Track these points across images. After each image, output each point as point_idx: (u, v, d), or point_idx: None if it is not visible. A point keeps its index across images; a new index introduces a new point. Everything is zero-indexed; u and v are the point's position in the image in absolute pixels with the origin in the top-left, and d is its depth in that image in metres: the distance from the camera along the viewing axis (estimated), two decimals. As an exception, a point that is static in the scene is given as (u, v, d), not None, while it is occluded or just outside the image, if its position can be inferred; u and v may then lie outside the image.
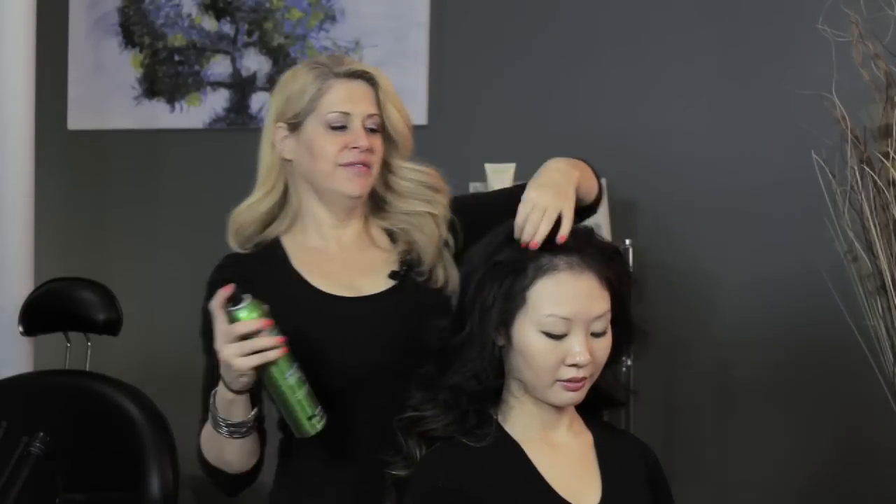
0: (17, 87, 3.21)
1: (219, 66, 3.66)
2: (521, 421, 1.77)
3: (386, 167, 2.04)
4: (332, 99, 1.97)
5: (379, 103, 2.00)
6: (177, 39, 3.71)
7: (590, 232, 1.78)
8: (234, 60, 3.64)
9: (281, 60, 3.57)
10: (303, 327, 1.86)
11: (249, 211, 2.03)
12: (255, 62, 3.62)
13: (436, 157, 3.49)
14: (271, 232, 2.03)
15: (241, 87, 3.63)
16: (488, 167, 3.10)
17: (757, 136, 3.08)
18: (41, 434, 2.25)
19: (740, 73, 3.10)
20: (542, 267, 1.71)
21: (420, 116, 3.41)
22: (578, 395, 1.73)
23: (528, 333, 1.71)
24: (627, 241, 3.06)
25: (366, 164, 1.97)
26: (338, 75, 1.98)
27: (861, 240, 2.34)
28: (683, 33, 3.18)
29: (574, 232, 1.76)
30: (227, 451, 1.86)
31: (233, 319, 1.76)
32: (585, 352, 1.70)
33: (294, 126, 1.99)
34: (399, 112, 2.03)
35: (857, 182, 2.32)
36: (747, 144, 3.09)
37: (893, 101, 2.31)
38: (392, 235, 2.04)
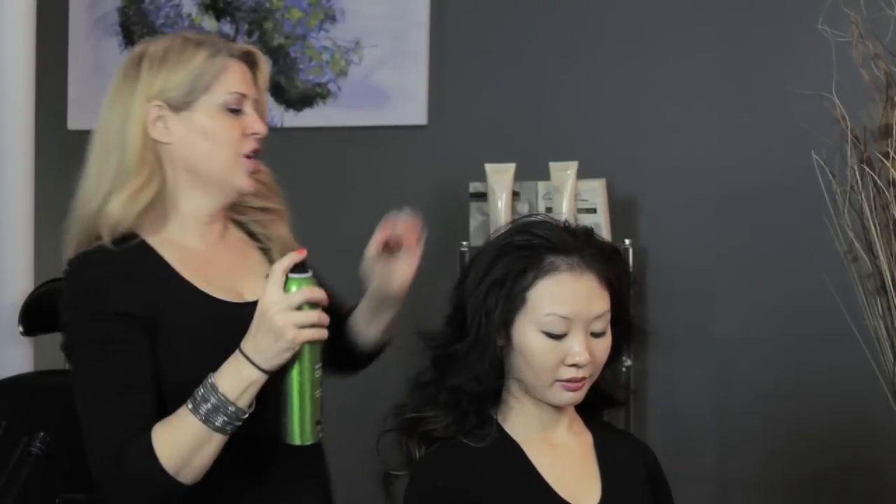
0: (17, 87, 3.20)
1: (219, 66, 3.66)
2: (521, 421, 1.77)
3: None
4: (230, 79, 1.83)
5: (258, 87, 1.89)
6: (177, 39, 3.71)
7: (590, 232, 1.78)
8: (234, 60, 3.64)
9: (281, 60, 3.57)
10: (200, 336, 1.76)
11: (128, 205, 1.80)
12: (255, 62, 3.62)
13: (436, 157, 3.51)
14: (129, 228, 1.82)
15: (241, 87, 3.62)
16: (488, 167, 3.10)
17: (757, 135, 3.08)
18: (41, 434, 2.24)
19: (740, 73, 3.10)
20: (542, 268, 1.71)
21: (420, 116, 3.41)
22: (578, 395, 1.74)
23: (528, 333, 1.71)
24: (627, 241, 3.05)
25: (258, 155, 1.87)
26: (232, 55, 1.85)
27: (861, 240, 2.34)
28: (683, 33, 3.18)
29: (574, 232, 1.76)
30: (207, 451, 1.69)
31: (288, 289, 1.65)
32: (585, 352, 1.70)
33: (179, 106, 1.82)
34: (266, 98, 1.92)
35: (857, 182, 2.32)
36: (747, 144, 3.09)
37: (893, 101, 2.31)
38: (249, 233, 1.95)
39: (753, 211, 3.08)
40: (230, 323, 1.77)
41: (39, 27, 3.30)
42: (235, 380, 1.67)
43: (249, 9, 3.63)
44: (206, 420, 1.67)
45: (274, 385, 1.71)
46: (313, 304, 1.68)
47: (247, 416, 1.70)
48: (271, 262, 1.89)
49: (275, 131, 3.54)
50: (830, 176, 2.36)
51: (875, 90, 2.33)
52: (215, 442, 1.69)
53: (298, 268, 1.67)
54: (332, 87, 3.51)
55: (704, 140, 3.15)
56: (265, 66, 1.91)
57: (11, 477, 2.23)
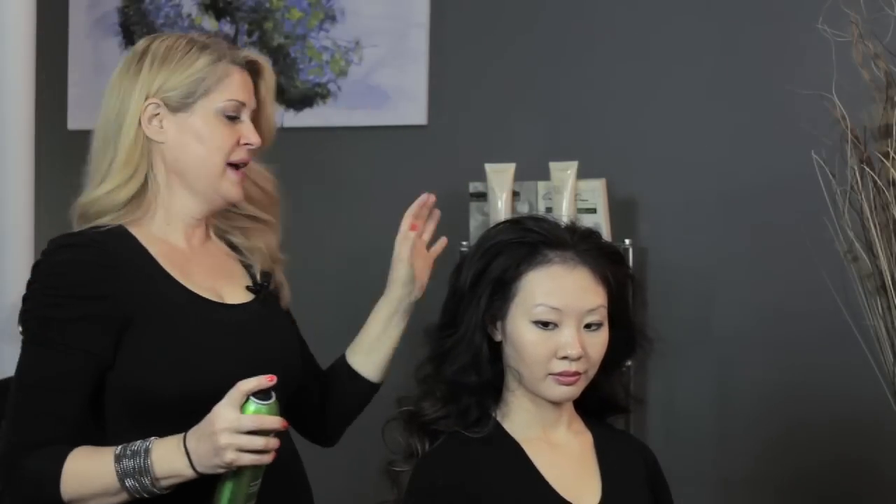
0: (17, 87, 3.21)
1: (219, 66, 3.66)
2: (521, 420, 1.77)
3: None
4: (230, 86, 1.82)
5: (259, 98, 1.88)
6: (177, 39, 3.71)
7: (591, 232, 1.78)
8: (234, 60, 3.64)
9: (281, 60, 3.57)
10: (177, 330, 1.75)
11: (108, 199, 1.81)
12: (255, 62, 3.62)
13: (436, 157, 3.51)
14: (114, 219, 1.81)
15: (241, 87, 3.62)
16: (488, 167, 3.10)
17: (757, 135, 3.08)
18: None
19: (740, 73, 3.10)
20: (535, 260, 1.72)
21: (420, 116, 3.41)
22: (571, 390, 1.73)
23: (520, 325, 1.71)
24: (627, 241, 3.05)
25: (246, 166, 1.86)
26: (234, 61, 1.84)
27: (861, 240, 2.34)
28: (683, 33, 3.18)
29: (574, 230, 1.76)
30: (105, 502, 1.68)
31: (245, 411, 1.63)
32: (577, 344, 1.69)
33: (177, 107, 1.81)
34: (274, 111, 1.92)
35: (857, 182, 2.32)
36: (747, 144, 3.09)
37: (893, 101, 2.31)
38: (232, 245, 1.93)
39: (753, 211, 3.07)
40: (208, 320, 1.79)
41: (39, 27, 3.30)
42: (168, 463, 1.66)
43: (249, 9, 3.63)
44: (122, 477, 1.66)
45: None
46: (265, 431, 1.66)
47: (157, 494, 1.67)
48: (252, 277, 1.90)
49: (275, 131, 3.57)
50: (830, 176, 2.36)
51: (875, 90, 2.33)
52: (118, 499, 1.68)
53: (263, 393, 1.65)
54: (332, 87, 3.51)
55: (704, 140, 3.15)
56: (271, 76, 1.90)
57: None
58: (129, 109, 1.81)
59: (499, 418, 1.78)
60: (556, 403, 1.76)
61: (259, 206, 1.95)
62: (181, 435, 1.67)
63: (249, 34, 3.63)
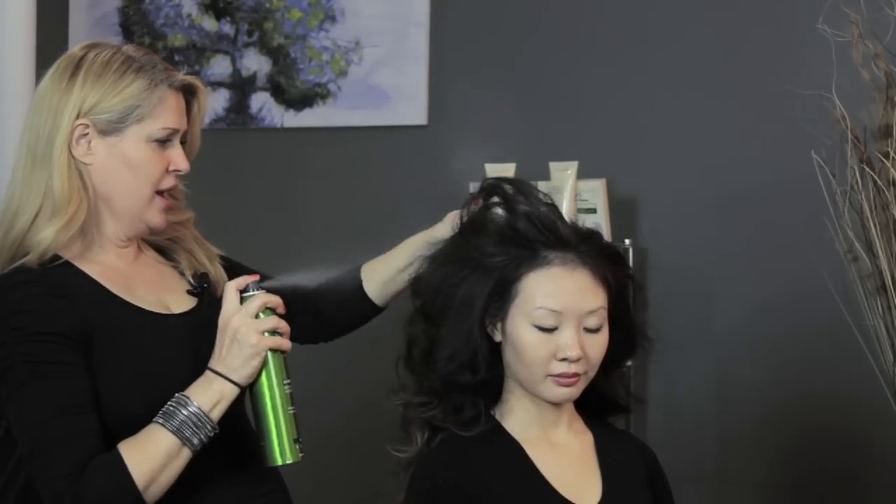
0: (17, 87, 3.20)
1: (219, 66, 3.66)
2: (521, 420, 1.77)
3: None
4: (164, 113, 1.79)
5: (190, 118, 1.85)
6: (177, 39, 3.71)
7: (593, 233, 1.78)
8: (234, 60, 3.64)
9: (281, 60, 3.57)
10: (134, 347, 1.75)
11: (63, 232, 1.75)
12: (255, 62, 3.62)
13: (436, 157, 3.51)
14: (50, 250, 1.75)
15: (241, 87, 3.62)
16: (488, 167, 3.10)
17: (757, 135, 3.08)
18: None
19: (740, 73, 3.10)
20: (535, 261, 1.71)
21: (420, 116, 3.41)
22: (570, 392, 1.73)
23: (519, 326, 1.71)
24: (627, 241, 3.05)
25: (173, 196, 1.85)
26: (171, 85, 1.81)
27: (861, 240, 2.34)
28: (683, 33, 3.18)
29: (576, 230, 1.76)
30: (174, 467, 1.68)
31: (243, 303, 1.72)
32: (576, 346, 1.69)
33: (108, 131, 1.77)
34: (200, 129, 1.89)
35: (857, 182, 2.32)
36: (747, 144, 3.09)
37: (893, 101, 2.31)
38: (160, 250, 1.92)
39: (753, 211, 3.08)
40: (160, 332, 1.79)
41: (39, 27, 3.30)
42: (207, 392, 1.70)
43: (249, 9, 3.63)
44: (178, 432, 1.68)
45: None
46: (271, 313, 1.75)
47: (213, 434, 1.71)
48: (198, 278, 1.89)
49: (275, 131, 3.57)
50: (830, 176, 2.36)
51: (875, 90, 2.34)
52: (183, 458, 1.69)
53: (251, 287, 1.75)
54: (332, 87, 3.51)
55: (705, 140, 3.15)
56: (205, 97, 1.87)
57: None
58: (61, 128, 1.76)
59: (499, 418, 1.77)
60: (556, 404, 1.76)
61: (175, 212, 1.92)
62: (205, 371, 1.73)
63: (249, 34, 3.63)
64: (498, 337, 1.75)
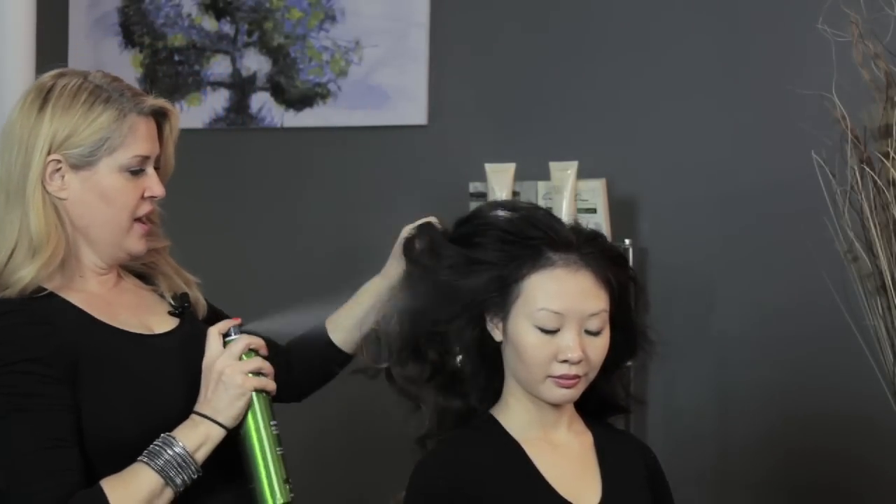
0: (17, 87, 3.20)
1: (219, 66, 3.66)
2: (521, 420, 1.77)
3: None
4: (135, 142, 1.78)
5: (162, 140, 1.84)
6: (177, 39, 3.71)
7: (596, 234, 1.78)
8: (234, 60, 3.64)
9: (281, 60, 3.57)
10: (121, 371, 1.75)
11: (44, 269, 1.74)
12: (255, 62, 3.62)
13: (436, 157, 3.51)
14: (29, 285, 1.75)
15: (241, 87, 3.62)
16: (488, 167, 3.10)
17: (757, 136, 3.08)
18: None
19: (740, 72, 3.10)
20: (538, 262, 1.72)
21: (420, 116, 3.41)
22: (570, 393, 1.73)
23: (520, 327, 1.71)
24: (627, 241, 3.05)
25: (151, 220, 1.85)
26: (141, 112, 1.79)
27: (861, 240, 2.34)
28: (683, 33, 3.18)
29: (578, 231, 1.76)
30: None
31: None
32: (577, 348, 1.69)
33: (80, 165, 1.76)
34: (173, 150, 1.88)
35: (857, 182, 2.32)
36: (747, 144, 3.09)
37: (893, 101, 2.31)
38: (139, 276, 1.92)
39: (753, 211, 3.07)
40: (146, 354, 1.80)
41: (39, 27, 3.30)
42: (193, 434, 1.72)
43: (249, 9, 3.63)
44: (162, 472, 1.70)
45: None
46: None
47: (197, 476, 1.72)
48: (178, 299, 1.90)
49: (275, 131, 3.57)
50: (830, 176, 2.36)
51: (875, 90, 2.34)
52: (165, 498, 1.71)
53: (233, 331, 1.79)
54: (332, 87, 3.51)
55: (704, 140, 3.15)
56: (176, 119, 1.86)
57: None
58: (32, 164, 1.75)
59: (499, 419, 1.78)
60: (556, 404, 1.76)
61: (152, 238, 1.91)
62: (190, 415, 1.75)
63: (249, 34, 3.63)
64: (499, 336, 1.75)
